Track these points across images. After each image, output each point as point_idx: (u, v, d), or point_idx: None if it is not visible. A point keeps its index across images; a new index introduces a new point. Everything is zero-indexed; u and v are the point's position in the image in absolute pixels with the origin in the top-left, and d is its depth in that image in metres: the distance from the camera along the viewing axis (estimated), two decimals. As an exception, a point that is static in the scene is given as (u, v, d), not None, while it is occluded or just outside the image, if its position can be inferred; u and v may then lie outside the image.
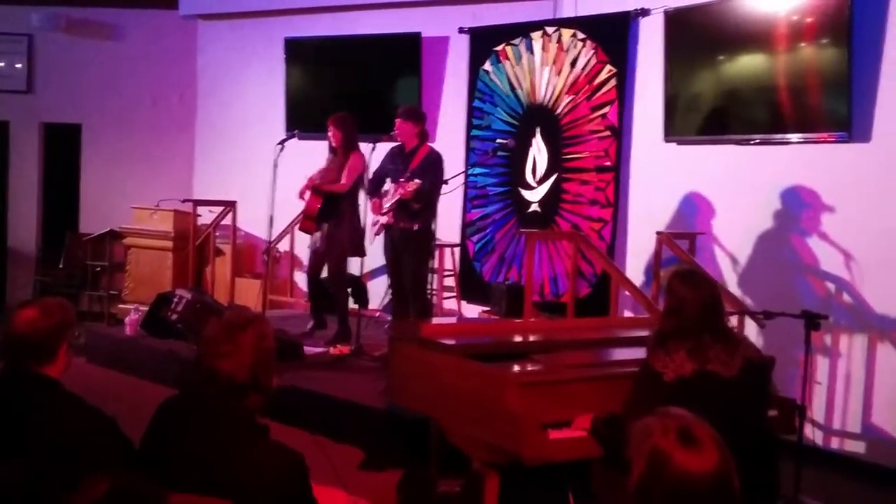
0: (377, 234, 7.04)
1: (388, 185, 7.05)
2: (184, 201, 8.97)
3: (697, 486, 1.90)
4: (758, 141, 6.69)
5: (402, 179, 6.76)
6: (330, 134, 7.29)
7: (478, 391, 3.97)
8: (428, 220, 6.86)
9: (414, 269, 6.88)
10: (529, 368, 4.05)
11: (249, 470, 2.65)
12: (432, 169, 6.80)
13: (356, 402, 5.96)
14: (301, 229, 7.64)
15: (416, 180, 6.54)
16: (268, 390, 2.83)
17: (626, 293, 6.78)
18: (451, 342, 4.34)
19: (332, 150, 7.37)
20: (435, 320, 7.01)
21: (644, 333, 4.91)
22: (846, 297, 6.21)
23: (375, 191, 7.10)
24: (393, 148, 7.09)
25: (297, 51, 9.79)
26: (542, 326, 5.35)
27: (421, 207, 6.74)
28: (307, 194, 7.23)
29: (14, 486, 2.66)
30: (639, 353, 4.36)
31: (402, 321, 6.27)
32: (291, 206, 7.78)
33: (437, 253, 7.95)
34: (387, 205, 6.87)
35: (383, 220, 6.90)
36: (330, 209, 7.22)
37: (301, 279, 9.55)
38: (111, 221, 9.91)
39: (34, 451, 2.75)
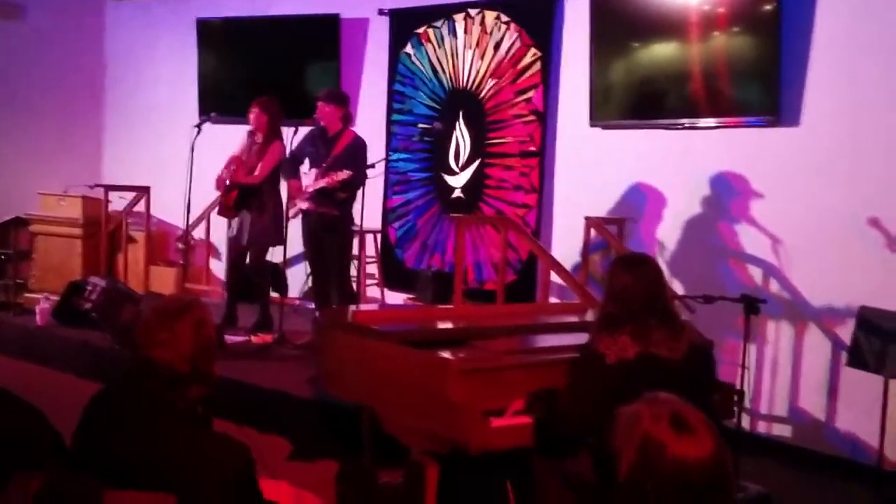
0: (293, 217, 6.85)
1: (306, 167, 6.86)
2: (94, 186, 8.65)
3: (693, 475, 1.80)
4: (685, 125, 6.67)
5: (324, 165, 6.57)
6: (253, 116, 7.08)
7: (417, 379, 3.83)
8: (347, 206, 6.71)
9: (336, 255, 6.71)
10: (469, 355, 3.92)
11: (193, 463, 2.51)
12: (357, 157, 6.65)
13: (282, 392, 5.79)
14: (220, 214, 7.44)
15: (346, 171, 6.34)
16: (210, 379, 2.69)
17: (554, 279, 6.72)
18: (386, 329, 4.19)
19: (252, 133, 7.15)
20: (361, 307, 6.85)
21: (577, 319, 4.90)
22: (774, 283, 6.24)
23: (293, 172, 6.88)
24: (313, 130, 6.90)
25: (209, 32, 9.51)
26: (475, 313, 5.23)
27: (345, 197, 6.57)
28: (223, 184, 7.03)
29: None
30: (576, 338, 4.32)
31: (331, 308, 6.11)
32: (207, 191, 7.55)
33: (358, 239, 7.80)
34: (309, 190, 6.68)
35: (303, 205, 6.71)
36: (249, 197, 7.02)
37: (216, 267, 9.31)
38: (16, 208, 9.47)
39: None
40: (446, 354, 3.86)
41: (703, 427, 1.85)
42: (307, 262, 7.09)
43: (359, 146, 6.73)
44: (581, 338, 4.29)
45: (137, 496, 2.47)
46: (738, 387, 4.63)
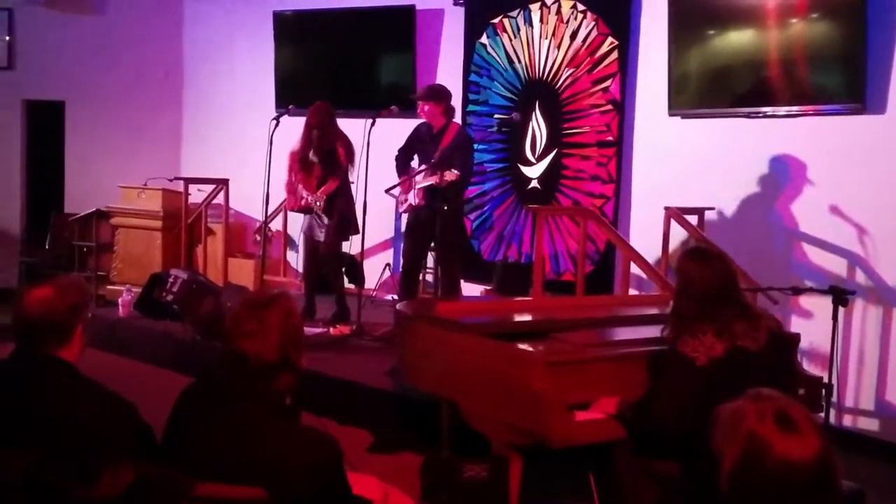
0: (403, 212, 6.91)
1: (415, 162, 6.89)
2: (174, 179, 8.76)
3: (799, 474, 1.76)
4: (766, 114, 6.55)
5: (433, 161, 6.55)
6: (309, 132, 7.19)
7: (501, 372, 3.82)
8: (458, 200, 6.72)
9: (444, 244, 6.64)
10: (554, 348, 3.90)
11: (283, 456, 2.52)
12: (464, 153, 6.62)
13: (361, 384, 5.81)
14: (292, 210, 7.55)
15: (455, 171, 6.31)
16: (297, 369, 2.70)
17: (633, 270, 6.64)
18: (469, 321, 4.18)
19: (310, 127, 7.22)
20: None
21: (658, 311, 4.83)
22: (860, 273, 6.10)
23: (404, 168, 6.92)
24: (420, 126, 6.92)
25: (286, 25, 9.57)
26: (557, 305, 5.20)
27: (453, 193, 6.56)
28: (305, 196, 7.17)
29: (29, 476, 2.50)
30: (658, 331, 4.27)
31: (412, 300, 6.09)
32: (278, 184, 7.60)
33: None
34: (417, 187, 6.70)
35: (413, 201, 6.74)
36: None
37: (293, 259, 9.38)
38: (97, 201, 9.64)
39: (50, 439, 2.58)
40: (531, 347, 3.84)
41: (808, 425, 1.80)
42: (405, 253, 7.03)
43: (465, 140, 6.75)
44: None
45: (228, 489, 2.49)
46: (825, 380, 4.52)
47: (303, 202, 7.23)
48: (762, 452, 1.78)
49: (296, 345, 2.71)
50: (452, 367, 4.11)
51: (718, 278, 3.52)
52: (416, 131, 6.95)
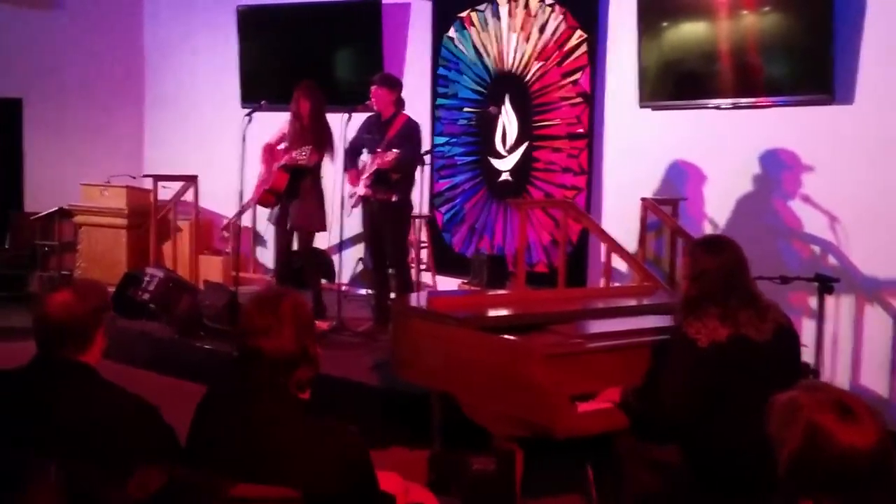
0: (354, 206, 6.83)
1: (364, 155, 6.85)
2: (143, 176, 8.68)
3: (860, 462, 1.81)
4: (736, 104, 6.65)
5: (378, 150, 6.57)
6: (296, 102, 7.01)
7: (501, 365, 3.85)
8: (406, 191, 6.71)
9: (394, 240, 6.71)
10: (553, 340, 3.94)
11: (313, 453, 2.53)
12: (410, 138, 6.63)
13: (346, 379, 5.81)
14: (260, 202, 7.34)
15: (395, 150, 6.35)
16: (316, 360, 2.71)
17: (602, 261, 6.72)
18: (466, 315, 4.20)
19: (296, 116, 7.07)
20: (436, 294, 6.85)
21: (648, 302, 4.91)
22: (832, 260, 6.22)
23: (352, 162, 6.88)
24: (369, 117, 6.88)
25: (250, 19, 9.50)
26: (547, 297, 5.23)
27: (399, 178, 6.57)
28: (274, 166, 6.98)
29: (55, 481, 2.49)
30: (651, 321, 4.35)
31: (407, 295, 6.10)
32: (253, 179, 7.53)
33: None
34: (364, 176, 6.67)
35: (361, 191, 6.69)
36: (295, 182, 6.98)
37: (262, 255, 9.33)
38: (59, 199, 9.48)
39: (76, 444, 2.57)
40: (531, 340, 3.88)
41: (866, 412, 1.86)
42: (365, 249, 7.05)
43: (412, 127, 6.72)
44: (656, 320, 4.34)
45: (262, 489, 2.48)
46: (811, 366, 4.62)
47: (286, 158, 7.01)
48: (823, 442, 1.83)
49: (311, 336, 2.72)
50: (451, 361, 4.13)
51: (728, 267, 3.60)
52: (366, 122, 6.90)
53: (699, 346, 3.46)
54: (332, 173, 7.14)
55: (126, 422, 2.66)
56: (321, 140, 6.92)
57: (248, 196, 7.52)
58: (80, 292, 2.76)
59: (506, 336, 3.92)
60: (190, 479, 2.53)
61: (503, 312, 4.49)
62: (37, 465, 2.42)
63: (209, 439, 2.65)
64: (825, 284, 4.66)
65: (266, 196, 7.10)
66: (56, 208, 9.49)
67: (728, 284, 3.58)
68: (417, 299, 5.13)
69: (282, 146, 7.05)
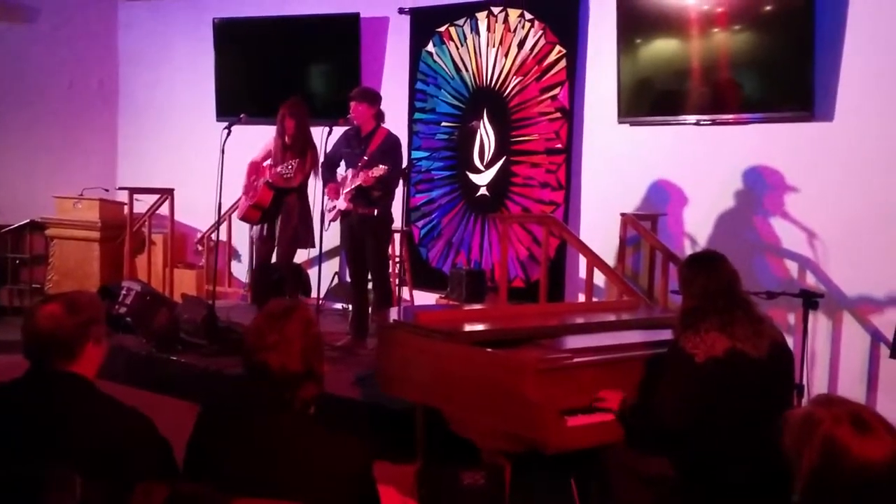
0: (333, 219, 6.78)
1: (342, 168, 6.81)
2: (119, 189, 8.60)
3: (877, 474, 1.82)
4: (715, 121, 6.70)
5: (360, 164, 6.54)
6: (283, 121, 6.94)
7: (492, 380, 3.84)
8: (387, 206, 6.69)
9: (375, 255, 6.68)
10: (543, 354, 3.93)
11: (318, 464, 2.51)
12: (392, 154, 6.60)
13: (329, 394, 5.74)
14: (243, 218, 7.27)
15: (381, 166, 6.30)
16: (321, 378, 2.69)
17: (583, 276, 6.72)
18: (455, 330, 4.19)
19: (280, 134, 7.02)
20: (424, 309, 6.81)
21: (633, 317, 4.93)
22: (811, 276, 6.26)
23: (331, 175, 6.84)
24: (348, 130, 6.84)
25: (226, 32, 9.44)
26: (532, 312, 5.22)
27: (381, 194, 6.55)
28: (259, 182, 6.92)
29: (52, 496, 2.45)
30: (641, 336, 4.36)
31: (392, 310, 6.07)
32: (227, 193, 7.46)
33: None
34: (345, 190, 6.63)
35: (342, 206, 6.65)
36: (281, 199, 6.94)
37: (237, 269, 9.27)
38: (31, 211, 9.39)
39: (71, 458, 2.52)
40: (522, 354, 3.87)
41: (882, 426, 1.87)
42: (348, 263, 7.01)
43: (393, 143, 6.69)
44: (643, 335, 4.36)
45: (265, 503, 2.46)
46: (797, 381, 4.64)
47: (271, 174, 6.93)
48: (841, 455, 1.84)
49: (318, 354, 2.71)
50: (439, 376, 4.11)
51: (724, 279, 3.63)
52: (344, 136, 6.84)
53: (696, 362, 3.48)
54: (310, 187, 7.08)
55: (125, 435, 2.62)
56: (305, 158, 6.88)
57: (225, 210, 7.45)
58: (69, 304, 2.72)
59: (496, 350, 3.90)
60: (192, 493, 2.50)
61: (492, 327, 4.47)
62: (59, 478, 2.39)
63: (211, 456, 2.62)
64: (810, 300, 4.69)
65: (251, 212, 7.04)
66: (28, 220, 9.40)
67: (728, 297, 3.61)
68: (402, 314, 5.10)
69: (267, 163, 7.00)
